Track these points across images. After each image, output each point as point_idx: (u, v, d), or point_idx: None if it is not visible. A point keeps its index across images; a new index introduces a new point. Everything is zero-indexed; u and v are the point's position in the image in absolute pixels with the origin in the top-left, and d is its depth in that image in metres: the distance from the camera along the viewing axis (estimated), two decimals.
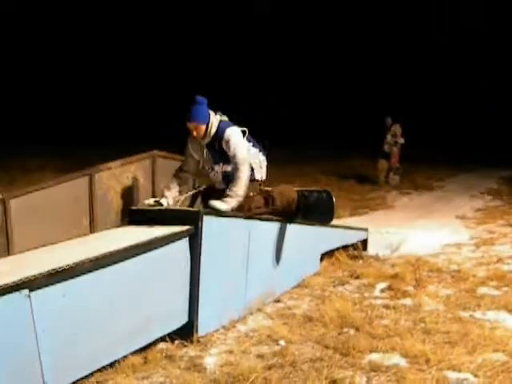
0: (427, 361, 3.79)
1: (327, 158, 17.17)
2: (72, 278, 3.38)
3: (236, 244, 4.78)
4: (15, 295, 3.03)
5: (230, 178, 4.88)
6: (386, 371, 3.66)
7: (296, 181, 13.72)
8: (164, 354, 4.02)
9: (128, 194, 9.76)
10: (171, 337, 4.20)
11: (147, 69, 22.02)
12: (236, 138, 4.84)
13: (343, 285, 5.82)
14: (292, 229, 5.68)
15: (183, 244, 4.25)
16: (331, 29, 22.51)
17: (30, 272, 3.20)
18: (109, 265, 3.64)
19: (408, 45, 22.58)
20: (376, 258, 7.03)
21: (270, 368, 3.71)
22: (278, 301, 5.27)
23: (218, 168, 5.00)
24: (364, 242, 7.36)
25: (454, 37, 21.88)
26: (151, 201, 5.05)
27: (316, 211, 6.06)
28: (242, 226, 4.83)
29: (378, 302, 5.25)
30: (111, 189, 9.61)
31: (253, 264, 4.95)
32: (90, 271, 3.50)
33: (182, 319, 4.28)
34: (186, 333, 4.28)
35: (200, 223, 4.26)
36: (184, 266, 4.27)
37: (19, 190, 8.10)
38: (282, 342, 4.22)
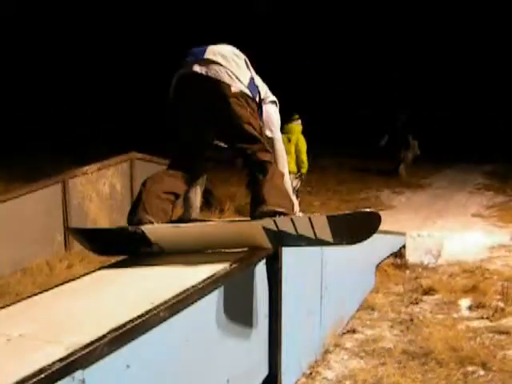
0: None
1: None
2: (138, 337, 2.13)
3: (312, 263, 3.61)
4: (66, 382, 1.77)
5: None
6: None
7: None
8: None
9: (106, 203, 8.51)
10: None
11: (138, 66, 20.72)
12: None
13: (417, 303, 4.75)
14: None
15: (260, 270, 3.04)
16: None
17: (74, 337, 1.94)
18: (181, 310, 2.40)
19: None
20: (423, 266, 6.03)
21: None
22: (352, 331, 4.13)
23: None
24: (403, 248, 6.34)
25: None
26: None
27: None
28: None
29: (477, 324, 4.19)
30: (87, 197, 8.33)
31: (326, 287, 3.79)
32: (161, 322, 2.27)
33: (262, 373, 3.07)
34: None
35: None
36: (262, 299, 3.06)
37: None
38: None
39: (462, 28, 21.12)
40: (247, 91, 2.95)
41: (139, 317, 2.10)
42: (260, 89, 3.13)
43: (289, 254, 3.13)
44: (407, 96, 20.70)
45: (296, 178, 9.14)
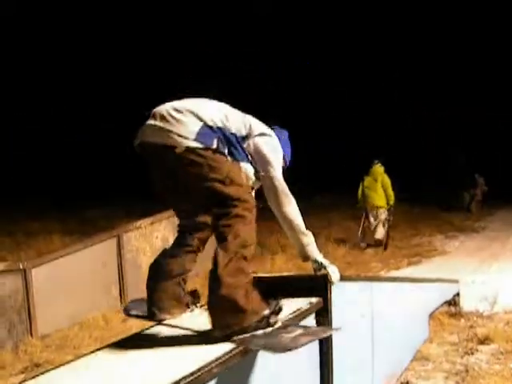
0: None
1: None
2: None
3: (362, 315, 3.62)
4: None
5: None
6: None
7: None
8: None
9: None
10: None
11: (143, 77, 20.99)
12: None
13: (472, 353, 4.65)
14: (405, 288, 4.56)
15: (310, 324, 3.07)
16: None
17: None
18: (234, 365, 2.46)
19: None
20: (478, 314, 5.89)
21: None
22: (406, 383, 4.10)
23: None
24: (457, 296, 6.23)
25: None
26: None
27: None
28: (366, 291, 3.68)
29: None
30: (140, 250, 8.54)
31: (378, 339, 3.78)
32: (213, 378, 2.33)
33: None
34: None
35: (329, 293, 3.10)
36: (312, 353, 3.09)
37: (40, 257, 7.10)
38: None
39: (462, 28, 20.98)
40: (196, 144, 2.57)
41: (192, 374, 2.17)
42: (231, 128, 2.71)
43: (338, 308, 3.17)
44: (407, 96, 20.58)
45: (386, 210, 11.13)
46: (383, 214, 11.10)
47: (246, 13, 22.15)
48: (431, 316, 5.48)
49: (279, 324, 2.51)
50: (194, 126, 2.60)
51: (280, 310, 2.57)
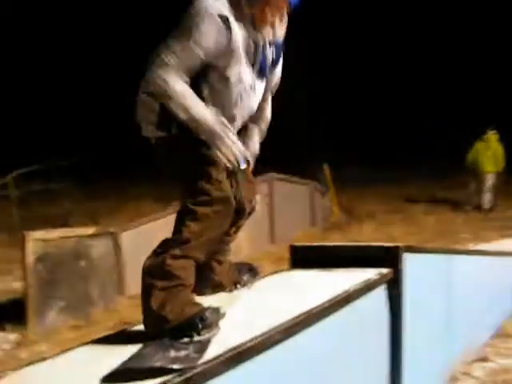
0: None
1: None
2: (253, 358, 2.24)
3: (437, 288, 3.55)
4: None
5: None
6: None
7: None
8: None
9: (246, 224, 8.83)
10: None
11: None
12: None
13: None
14: (487, 261, 4.42)
15: (380, 294, 3.06)
16: None
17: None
18: (298, 332, 2.48)
19: None
20: None
21: None
22: (483, 359, 3.98)
23: (263, 86, 2.43)
24: None
25: None
26: None
27: None
28: (443, 263, 3.60)
29: None
30: None
31: (454, 313, 3.71)
32: (276, 344, 2.36)
33: None
34: None
35: (400, 264, 3.06)
36: (382, 325, 3.08)
37: (129, 222, 7.44)
38: None
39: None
40: (159, 133, 2.28)
41: (252, 339, 2.21)
42: None
43: (411, 278, 3.12)
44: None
45: (494, 176, 11.91)
46: (491, 180, 11.80)
47: None
48: None
49: (196, 338, 2.17)
50: (153, 113, 2.29)
51: (202, 324, 2.21)
